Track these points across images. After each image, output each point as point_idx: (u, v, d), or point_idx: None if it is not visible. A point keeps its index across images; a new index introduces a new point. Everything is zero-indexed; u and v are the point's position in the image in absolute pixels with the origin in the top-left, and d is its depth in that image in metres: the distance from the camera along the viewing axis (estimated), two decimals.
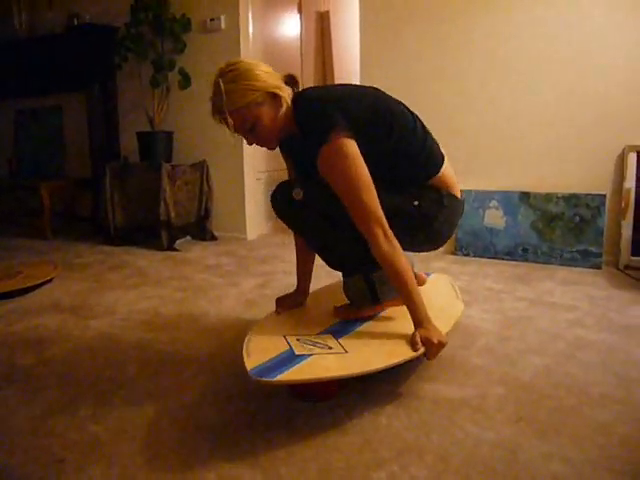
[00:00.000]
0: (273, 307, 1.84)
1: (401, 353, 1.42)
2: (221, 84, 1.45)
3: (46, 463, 1.16)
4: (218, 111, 1.48)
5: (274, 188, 1.73)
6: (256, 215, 3.95)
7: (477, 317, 2.12)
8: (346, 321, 1.67)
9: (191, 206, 3.71)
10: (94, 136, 4.11)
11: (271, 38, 4.14)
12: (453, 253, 3.23)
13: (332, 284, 2.09)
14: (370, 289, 1.65)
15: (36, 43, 4.31)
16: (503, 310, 2.20)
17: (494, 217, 3.10)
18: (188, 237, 3.73)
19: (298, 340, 1.49)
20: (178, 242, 3.52)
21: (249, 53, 3.74)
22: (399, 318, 1.67)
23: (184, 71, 3.72)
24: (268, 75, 1.50)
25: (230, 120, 1.46)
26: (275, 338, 1.50)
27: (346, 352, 1.42)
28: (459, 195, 1.71)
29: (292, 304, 1.84)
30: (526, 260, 3.03)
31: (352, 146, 1.45)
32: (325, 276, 2.26)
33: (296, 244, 1.88)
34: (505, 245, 3.08)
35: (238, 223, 3.84)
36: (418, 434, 1.27)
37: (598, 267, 2.89)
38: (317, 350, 1.42)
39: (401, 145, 1.59)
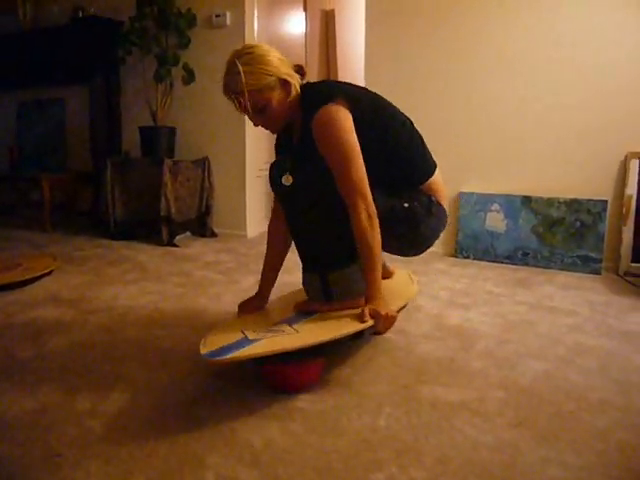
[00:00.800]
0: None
1: (350, 326, 1.49)
2: (238, 64, 1.49)
3: (43, 457, 1.16)
4: (232, 90, 1.53)
5: (272, 162, 1.74)
6: (256, 213, 3.95)
7: (476, 320, 2.11)
8: (303, 313, 1.69)
9: (192, 202, 3.71)
10: (96, 130, 4.11)
11: (276, 35, 4.13)
12: (453, 255, 3.23)
13: (295, 291, 2.09)
14: (324, 288, 1.69)
15: (40, 35, 4.30)
16: (503, 314, 2.20)
17: (495, 220, 3.10)
18: (188, 233, 3.73)
19: (254, 331, 1.52)
20: (178, 238, 3.51)
21: None
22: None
23: (188, 66, 3.72)
24: (281, 62, 1.59)
25: (242, 100, 1.50)
26: (232, 332, 1.53)
27: (298, 332, 1.49)
28: (446, 206, 1.78)
29: (253, 309, 1.84)
30: (526, 264, 3.03)
31: (348, 118, 1.53)
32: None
33: (268, 243, 1.90)
34: (505, 249, 3.08)
35: (238, 220, 3.84)
36: (417, 436, 1.27)
37: (598, 273, 2.89)
38: (270, 335, 1.48)
39: (396, 147, 1.66)
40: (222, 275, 2.75)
